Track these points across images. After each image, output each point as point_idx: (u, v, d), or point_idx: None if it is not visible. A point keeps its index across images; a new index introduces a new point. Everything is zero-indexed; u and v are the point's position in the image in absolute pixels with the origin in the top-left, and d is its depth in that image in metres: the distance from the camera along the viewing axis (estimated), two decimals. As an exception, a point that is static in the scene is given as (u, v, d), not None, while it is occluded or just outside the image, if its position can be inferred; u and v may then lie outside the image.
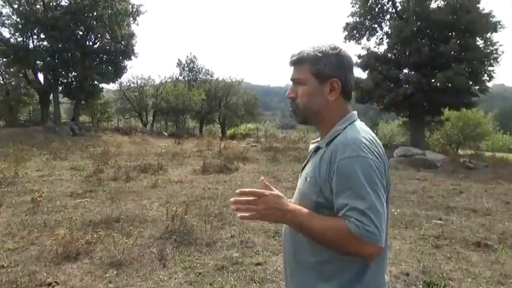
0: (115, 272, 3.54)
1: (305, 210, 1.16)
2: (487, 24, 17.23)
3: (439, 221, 5.60)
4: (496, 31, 17.72)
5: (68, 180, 7.79)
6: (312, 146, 1.35)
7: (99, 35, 23.29)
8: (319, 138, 1.32)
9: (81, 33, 22.88)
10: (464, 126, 23.23)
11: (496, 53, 17.69)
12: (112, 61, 24.07)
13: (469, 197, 7.59)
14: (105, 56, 23.89)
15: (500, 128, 27.27)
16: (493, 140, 24.94)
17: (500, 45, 17.75)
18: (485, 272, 3.74)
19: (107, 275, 3.48)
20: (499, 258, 4.11)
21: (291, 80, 1.30)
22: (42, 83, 23.18)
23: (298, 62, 1.27)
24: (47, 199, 5.98)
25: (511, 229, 5.23)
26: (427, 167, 12.19)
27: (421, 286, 3.40)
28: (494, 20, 17.52)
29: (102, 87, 26.15)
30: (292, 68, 1.31)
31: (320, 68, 1.23)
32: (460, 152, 21.03)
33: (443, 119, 20.86)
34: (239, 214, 1.17)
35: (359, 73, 21.19)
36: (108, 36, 23.63)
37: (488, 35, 17.91)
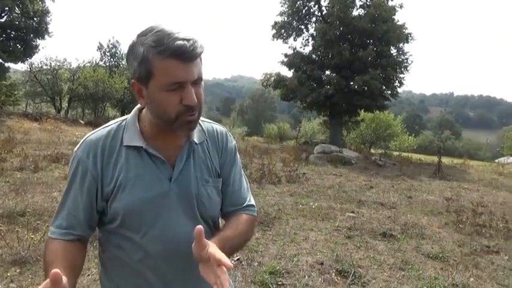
0: (18, 271, 3.21)
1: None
2: (400, 35, 18.91)
3: (351, 214, 6.03)
4: (407, 42, 19.57)
5: (-37, 169, 6.88)
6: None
7: (6, 8, 20.80)
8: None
9: (-16, 4, 20.25)
10: (377, 127, 25.20)
11: (407, 62, 19.57)
12: (21, 38, 21.66)
13: (378, 191, 8.28)
14: (13, 33, 21.43)
15: (407, 130, 30.16)
16: (400, 140, 27.39)
17: (411, 55, 19.71)
18: (389, 259, 4.12)
19: (8, 273, 3.15)
20: (401, 247, 4.55)
21: (192, 80, 0.94)
22: None
23: (199, 54, 0.94)
24: None
25: (412, 221, 5.83)
26: (343, 164, 13.06)
27: (333, 274, 3.63)
28: (406, 31, 19.30)
29: (9, 67, 23.44)
30: (186, 64, 0.91)
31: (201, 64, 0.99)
32: (372, 150, 22.83)
33: (359, 120, 22.48)
34: None
35: (285, 71, 21.91)
36: (17, 11, 21.22)
37: (401, 45, 19.69)
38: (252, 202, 1.19)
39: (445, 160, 15.10)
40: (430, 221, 6.03)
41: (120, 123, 1.07)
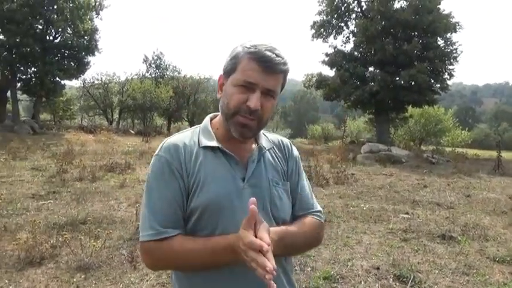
0: (83, 276, 3.39)
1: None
2: (447, 25, 17.98)
3: (406, 215, 5.79)
4: (455, 31, 18.55)
5: (29, 181, 7.41)
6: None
7: (60, 29, 22.30)
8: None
9: (40, 27, 21.83)
10: (427, 123, 24.09)
11: (456, 53, 18.54)
12: (74, 57, 23.15)
13: (433, 191, 7.89)
14: (67, 52, 22.92)
15: (459, 124, 28.53)
16: (452, 135, 25.97)
17: (460, 45, 18.64)
18: (451, 263, 3.89)
19: (74, 279, 3.34)
20: (462, 250, 4.29)
21: (265, 88, 1.01)
22: (-1, 79, 21.98)
23: (282, 71, 1.04)
24: (7, 201, 5.65)
25: (473, 221, 5.49)
26: (393, 163, 12.60)
27: (391, 279, 3.49)
28: (453, 20, 18.32)
29: (64, 84, 25.11)
30: (265, 73, 1.01)
31: (284, 84, 1.10)
32: (423, 147, 21.85)
33: (407, 116, 21.61)
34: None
35: (326, 71, 21.62)
36: (70, 31, 22.68)
37: (448, 35, 18.71)
38: (319, 208, 1.24)
39: (505, 155, 14.12)
40: (493, 221, 5.64)
41: (194, 129, 1.16)
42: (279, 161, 1.18)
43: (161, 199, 1.03)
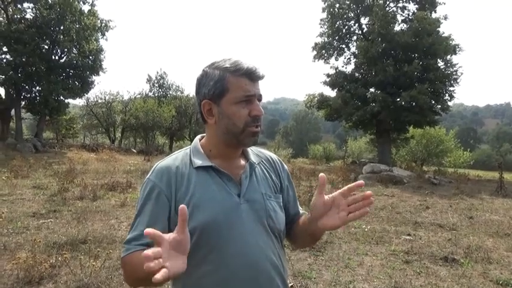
0: (81, 297, 3.36)
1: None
2: (447, 47, 18.21)
3: (408, 237, 5.74)
4: (455, 53, 18.81)
5: (30, 199, 7.41)
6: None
7: (66, 50, 22.70)
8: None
9: (46, 47, 22.24)
10: (428, 144, 24.12)
11: (456, 74, 18.72)
12: (79, 76, 23.46)
13: (435, 212, 7.84)
14: (72, 71, 23.26)
15: (461, 145, 28.51)
16: (454, 156, 25.93)
17: (460, 66, 18.85)
18: (454, 287, 3.84)
19: (73, 300, 3.31)
20: (465, 272, 4.24)
21: (258, 95, 1.12)
22: (4, 97, 22.23)
23: (262, 77, 1.14)
24: (7, 220, 5.63)
25: (476, 243, 5.43)
26: (395, 183, 12.54)
27: (393, 302, 3.44)
28: (453, 43, 18.58)
29: (68, 103, 25.38)
30: (253, 83, 1.11)
31: None
32: (425, 168, 21.78)
33: (409, 137, 21.65)
34: None
35: (328, 91, 21.84)
36: (75, 51, 23.08)
37: (448, 57, 18.94)
38: (303, 211, 1.35)
39: (507, 176, 14.06)
40: (496, 243, 5.58)
41: (185, 150, 1.20)
42: (269, 175, 1.24)
43: (143, 223, 1.06)
